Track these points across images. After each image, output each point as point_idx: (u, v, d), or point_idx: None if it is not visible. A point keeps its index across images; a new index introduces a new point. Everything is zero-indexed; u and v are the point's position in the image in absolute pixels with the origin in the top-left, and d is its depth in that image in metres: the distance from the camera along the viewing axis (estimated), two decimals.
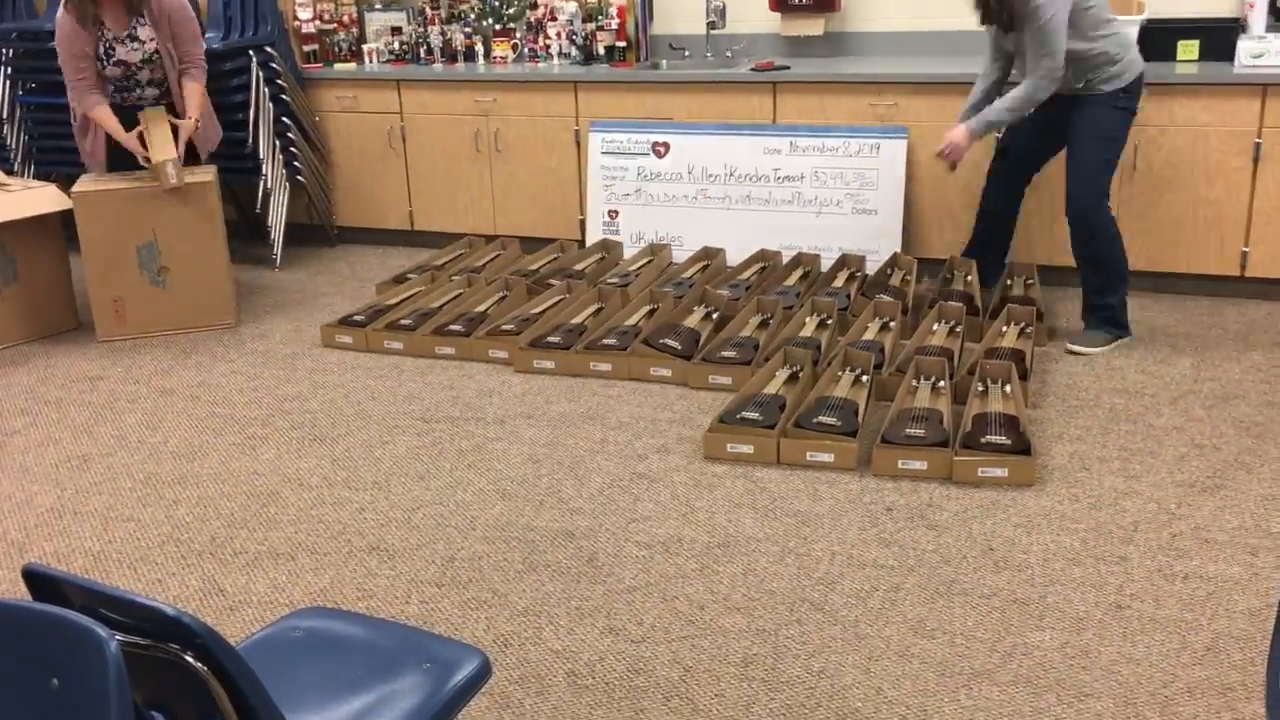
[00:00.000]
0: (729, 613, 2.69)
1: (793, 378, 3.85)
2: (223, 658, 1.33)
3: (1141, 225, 4.73)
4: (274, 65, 5.56)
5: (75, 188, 4.59)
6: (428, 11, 5.98)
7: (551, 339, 4.23)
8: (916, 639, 2.57)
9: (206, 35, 5.70)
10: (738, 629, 2.63)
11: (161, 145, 4.59)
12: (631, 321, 4.45)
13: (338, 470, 3.50)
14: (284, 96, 5.62)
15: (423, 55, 5.97)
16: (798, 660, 2.51)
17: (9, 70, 5.86)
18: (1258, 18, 4.67)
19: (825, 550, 2.94)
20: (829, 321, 4.32)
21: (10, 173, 5.79)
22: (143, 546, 3.10)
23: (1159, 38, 4.82)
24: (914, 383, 3.76)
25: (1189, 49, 4.80)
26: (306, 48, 5.97)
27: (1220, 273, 4.69)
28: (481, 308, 4.69)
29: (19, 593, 2.83)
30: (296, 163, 5.73)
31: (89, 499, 3.38)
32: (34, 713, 1.32)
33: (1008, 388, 3.68)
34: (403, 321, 4.55)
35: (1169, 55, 4.83)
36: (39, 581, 1.45)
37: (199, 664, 1.34)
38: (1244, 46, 4.55)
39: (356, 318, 4.64)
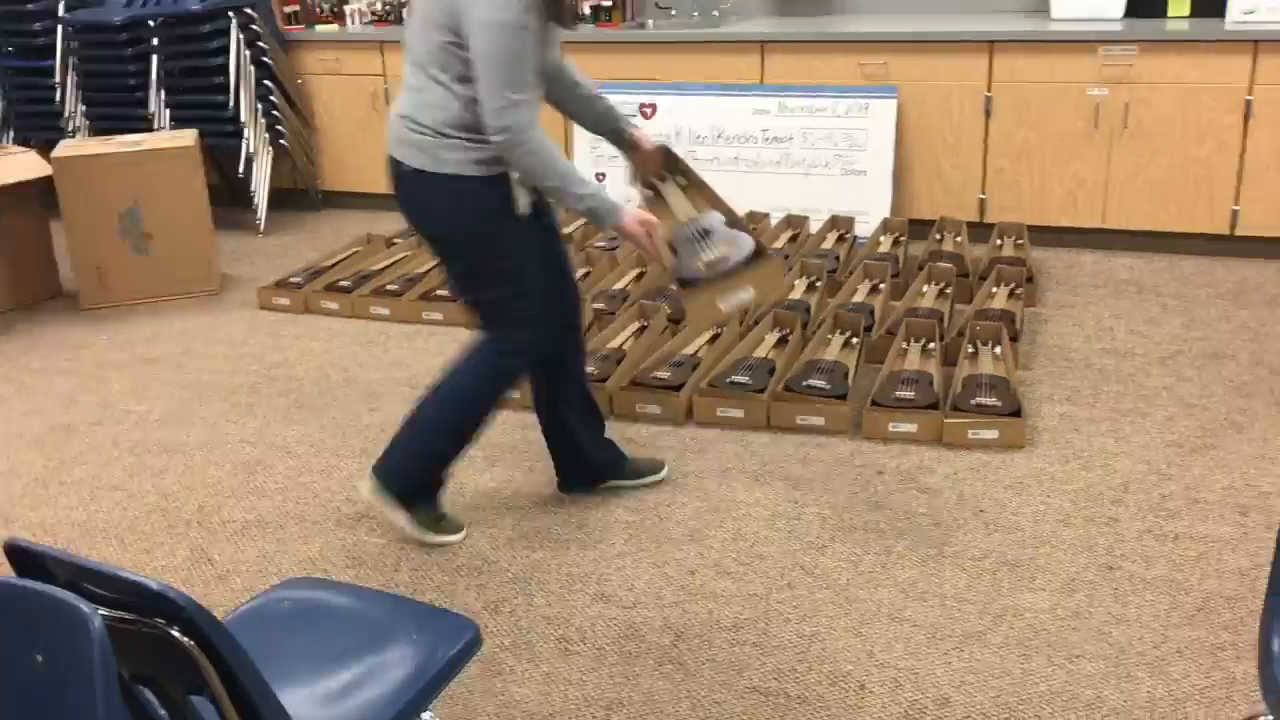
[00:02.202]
0: (720, 577, 2.69)
1: (782, 340, 3.84)
2: (209, 631, 1.32)
3: (1131, 184, 4.71)
4: (255, 27, 5.48)
5: (55, 153, 4.52)
6: None
7: None
8: (908, 602, 2.56)
9: None
10: (728, 594, 2.62)
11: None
12: (620, 285, 4.42)
13: (326, 438, 3.48)
14: (265, 59, 5.54)
15: (406, 16, 5.87)
16: (789, 624, 2.51)
17: None
18: None
19: (816, 514, 2.93)
20: (818, 284, 4.30)
21: None
22: (130, 516, 3.08)
23: None
24: (904, 345, 3.75)
25: (1180, 5, 4.76)
26: (287, 9, 5.88)
27: (1210, 231, 4.68)
28: None
29: (1, 568, 2.81)
30: (279, 126, 5.66)
31: (74, 469, 3.35)
32: (18, 689, 1.30)
33: (998, 349, 3.67)
34: (388, 287, 4.51)
35: (1160, 11, 4.79)
36: (21, 556, 1.43)
37: (185, 638, 1.32)
38: (1235, 2, 4.51)
39: (344, 282, 4.60)
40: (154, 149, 4.59)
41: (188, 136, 4.73)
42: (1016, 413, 3.24)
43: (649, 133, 2.75)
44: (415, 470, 2.81)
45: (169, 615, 1.32)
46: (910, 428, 3.26)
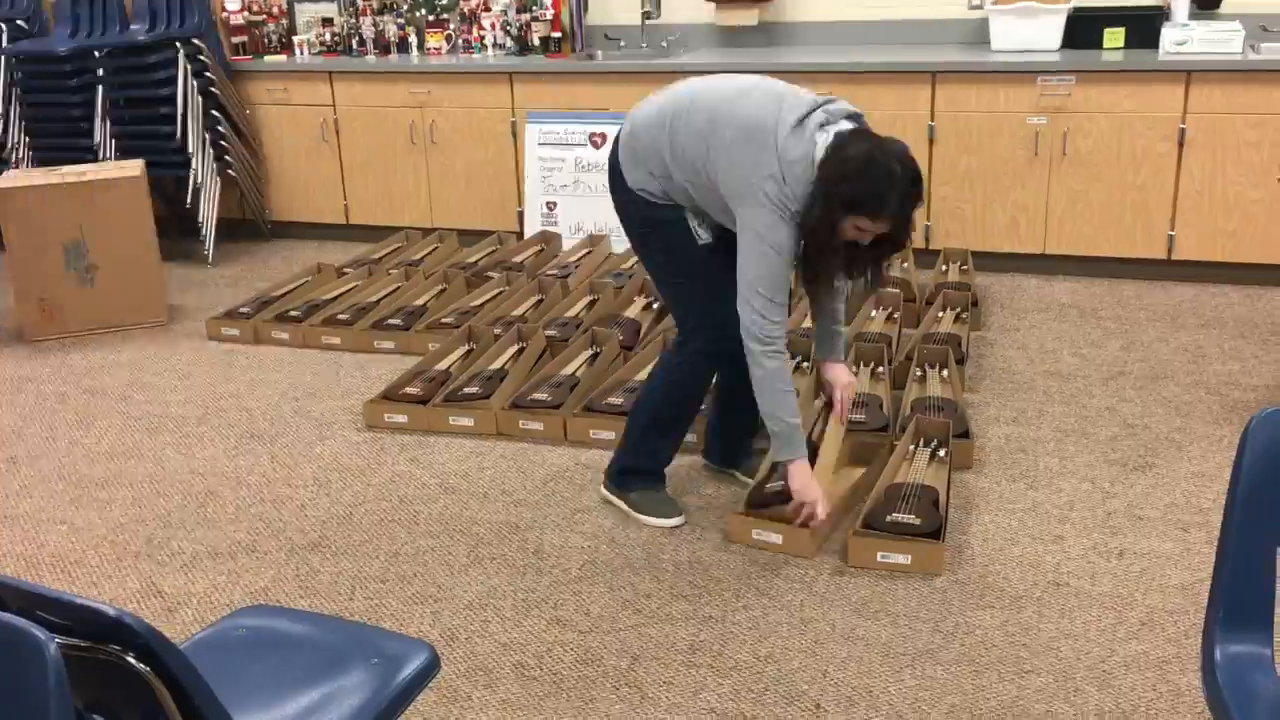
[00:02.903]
0: (675, 600, 2.70)
1: None
2: (166, 658, 1.31)
3: (1071, 210, 4.82)
4: (202, 58, 5.46)
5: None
6: (359, 2, 5.90)
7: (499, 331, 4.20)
8: (860, 621, 2.59)
9: (132, 27, 5.58)
10: (684, 616, 2.64)
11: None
12: (572, 313, 4.44)
13: (277, 468, 3.46)
14: (213, 89, 5.52)
15: (355, 47, 5.89)
16: (744, 645, 2.52)
17: None
18: (1181, 5, 4.78)
19: None
20: None
21: None
22: (77, 549, 3.03)
23: (1086, 25, 4.91)
24: (854, 368, 3.80)
25: (1115, 36, 4.90)
26: (235, 39, 5.87)
27: (1148, 255, 4.80)
28: (420, 301, 4.65)
29: None
30: (227, 156, 5.63)
31: (19, 502, 3.30)
32: None
33: (945, 372, 3.73)
34: (339, 316, 4.50)
35: (1096, 43, 4.92)
36: None
37: (141, 665, 1.31)
38: (1168, 34, 4.65)
39: (294, 312, 4.58)
40: (99, 179, 4.55)
41: (134, 167, 4.69)
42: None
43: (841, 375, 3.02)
44: (636, 460, 3.07)
45: (125, 642, 1.32)
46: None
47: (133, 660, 1.32)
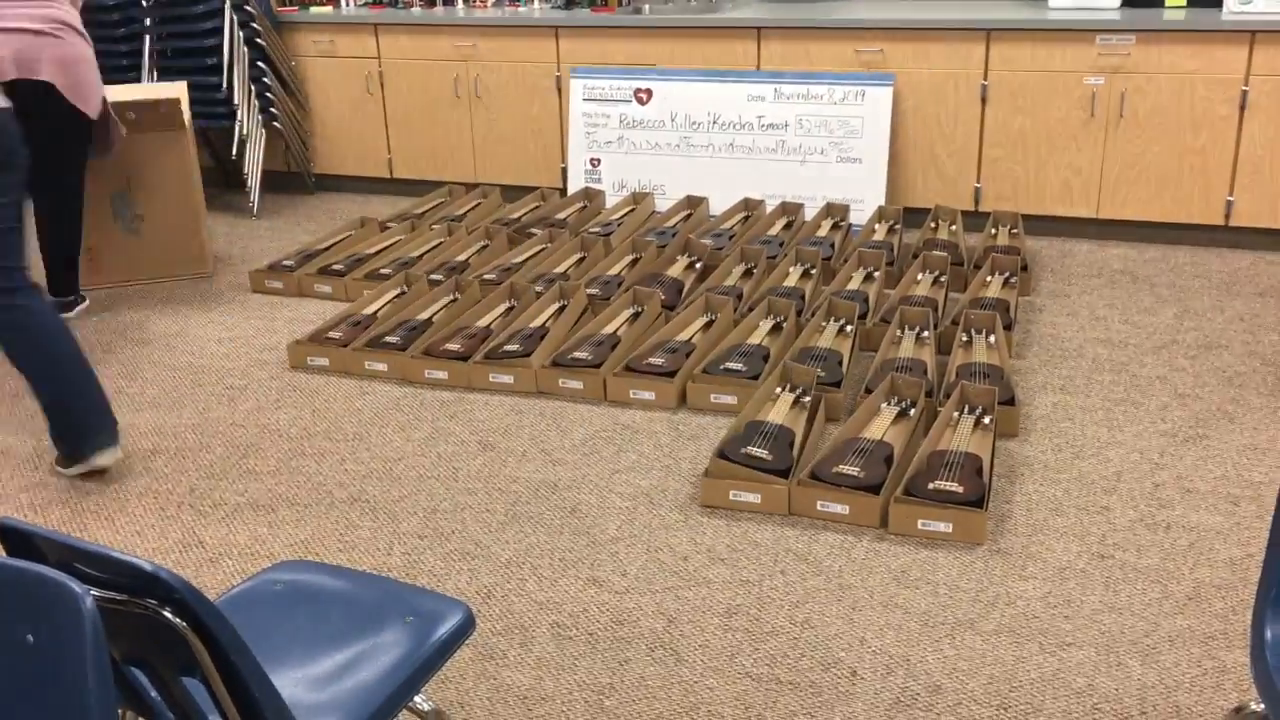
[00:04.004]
0: (713, 563, 2.69)
1: (776, 328, 3.83)
2: (201, 613, 1.31)
3: (1126, 174, 4.71)
4: (248, 8, 5.44)
5: None
6: None
7: (540, 288, 4.19)
8: (900, 589, 2.57)
9: None
10: (721, 579, 2.62)
11: None
12: (614, 271, 4.41)
13: (317, 421, 3.47)
14: (259, 40, 5.51)
15: None
16: (781, 610, 2.51)
17: None
18: None
19: None
20: (813, 271, 4.29)
21: None
22: (120, 498, 3.07)
23: None
24: (898, 333, 3.75)
25: None
26: None
27: (1205, 222, 4.68)
28: (462, 256, 4.64)
29: None
30: (273, 109, 5.63)
31: None
32: (9, 669, 1.30)
33: (992, 338, 3.67)
34: (382, 270, 4.50)
35: (1157, 2, 4.78)
36: (13, 536, 1.42)
37: (177, 619, 1.32)
38: None
39: (337, 266, 4.58)
40: (146, 132, 4.56)
41: (176, 89, 4.70)
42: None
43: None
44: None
45: (161, 596, 1.32)
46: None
47: (169, 614, 1.32)
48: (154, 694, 1.49)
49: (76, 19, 4.01)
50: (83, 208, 4.31)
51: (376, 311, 4.11)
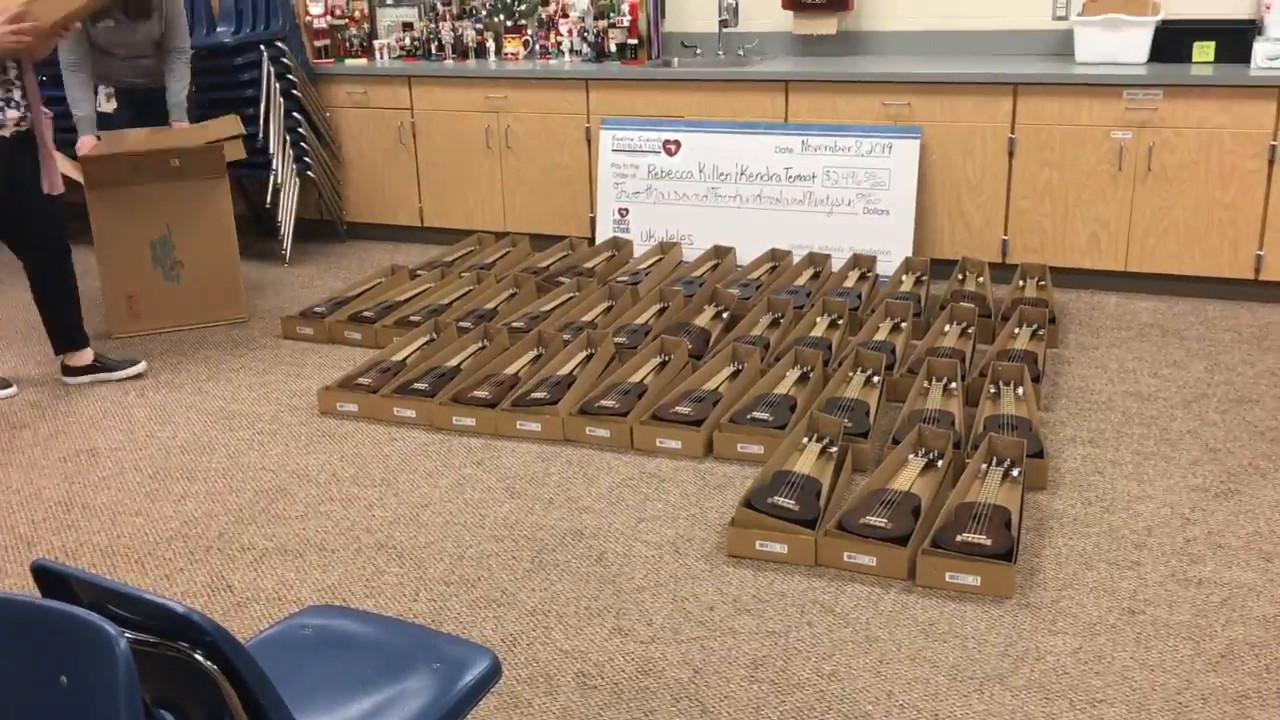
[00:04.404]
0: (739, 614, 2.68)
1: (803, 378, 3.84)
2: (233, 656, 1.32)
3: (1154, 227, 4.70)
4: (285, 60, 5.56)
5: (87, 183, 4.57)
6: (439, 7, 5.97)
7: (567, 336, 4.21)
8: (928, 642, 2.55)
9: (219, 29, 5.70)
10: (747, 630, 2.61)
11: None
12: (641, 320, 4.43)
13: (346, 466, 3.49)
14: (295, 91, 5.62)
15: (434, 51, 5.95)
16: (808, 662, 2.49)
17: None
18: (1275, 19, 4.64)
19: None
20: (840, 321, 4.30)
21: None
22: (150, 541, 3.09)
23: (1175, 38, 4.80)
24: (925, 384, 3.74)
25: (1205, 50, 4.77)
26: (318, 43, 5.96)
27: (1234, 276, 4.66)
28: (491, 304, 4.68)
29: (27, 588, 2.83)
30: (307, 158, 5.72)
31: (98, 493, 3.38)
32: (43, 710, 1.31)
33: (1020, 390, 3.66)
34: (412, 318, 4.54)
35: (1184, 57, 4.80)
36: (48, 578, 1.44)
37: (208, 663, 1.33)
38: (1260, 48, 4.52)
39: (367, 313, 4.63)
40: (185, 181, 4.64)
41: (230, 125, 4.80)
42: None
43: None
44: None
45: (193, 639, 1.33)
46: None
47: (200, 658, 1.33)
48: None
49: None
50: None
51: (406, 358, 4.14)
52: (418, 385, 3.86)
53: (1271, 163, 4.47)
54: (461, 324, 4.42)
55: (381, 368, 4.04)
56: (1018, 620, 2.62)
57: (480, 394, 3.77)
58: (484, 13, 5.95)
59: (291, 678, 1.70)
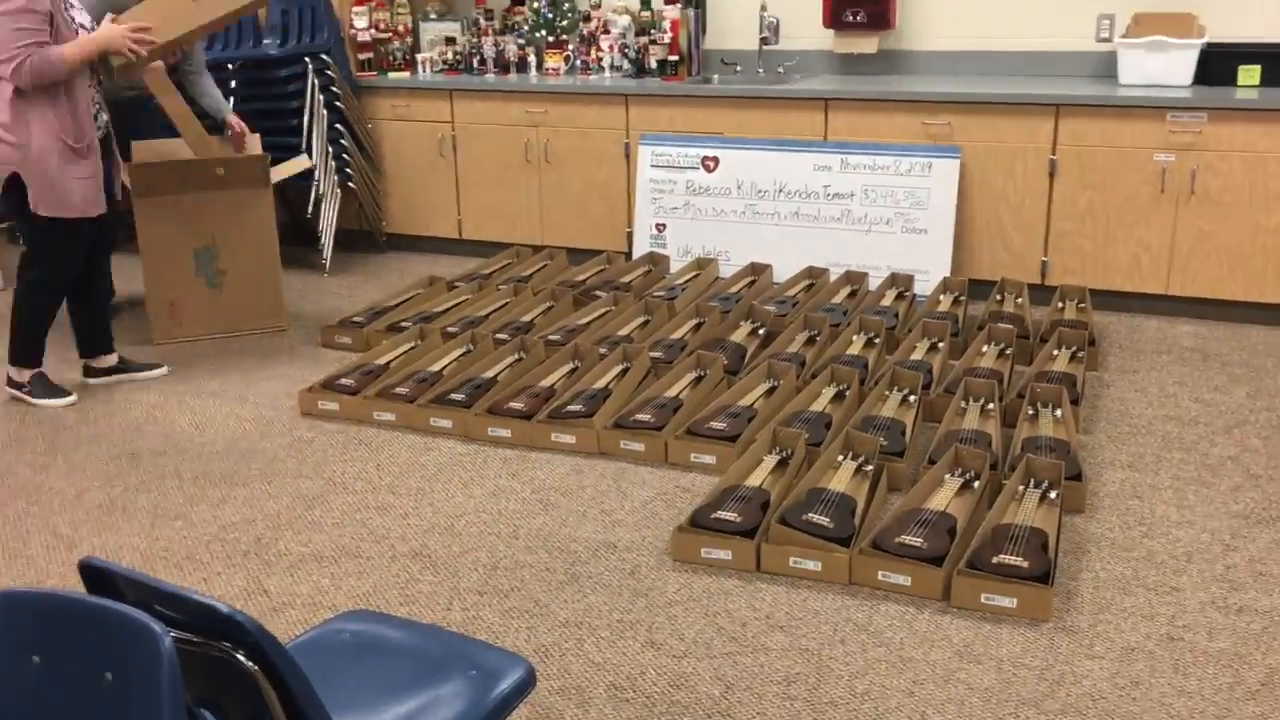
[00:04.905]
0: (771, 630, 2.67)
1: (839, 396, 3.83)
2: (275, 658, 1.34)
3: (1198, 251, 4.66)
4: (329, 72, 5.62)
5: (135, 190, 4.64)
6: (481, 22, 6.02)
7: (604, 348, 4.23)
8: (963, 664, 2.53)
9: (265, 41, 5.77)
10: (780, 647, 2.60)
11: None
12: (678, 335, 4.44)
13: (382, 475, 3.52)
14: (338, 103, 5.68)
15: (475, 65, 6.01)
16: (841, 681, 2.48)
17: None
18: None
19: None
20: (877, 340, 4.29)
21: None
22: (189, 545, 3.13)
23: (1219, 62, 4.76)
24: (963, 404, 3.72)
25: (1250, 74, 4.73)
26: (361, 56, 6.03)
27: (1278, 301, 4.61)
28: (528, 317, 4.70)
29: (71, 586, 2.86)
30: (348, 169, 5.78)
31: (138, 496, 3.42)
32: (86, 707, 1.33)
33: (1058, 412, 3.63)
34: (449, 329, 4.57)
35: (1229, 80, 4.76)
36: (94, 575, 1.47)
37: (250, 663, 1.34)
38: None
39: (405, 323, 4.67)
40: (228, 192, 4.70)
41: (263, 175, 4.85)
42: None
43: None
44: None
45: (236, 639, 1.35)
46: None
47: (242, 658, 1.35)
48: None
49: None
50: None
51: (442, 369, 4.17)
52: (454, 396, 3.89)
53: None
54: (498, 336, 4.45)
55: (418, 378, 4.07)
56: (1054, 644, 2.59)
57: (516, 405, 3.79)
58: (526, 28, 6.00)
59: (329, 681, 1.71)
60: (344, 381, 4.04)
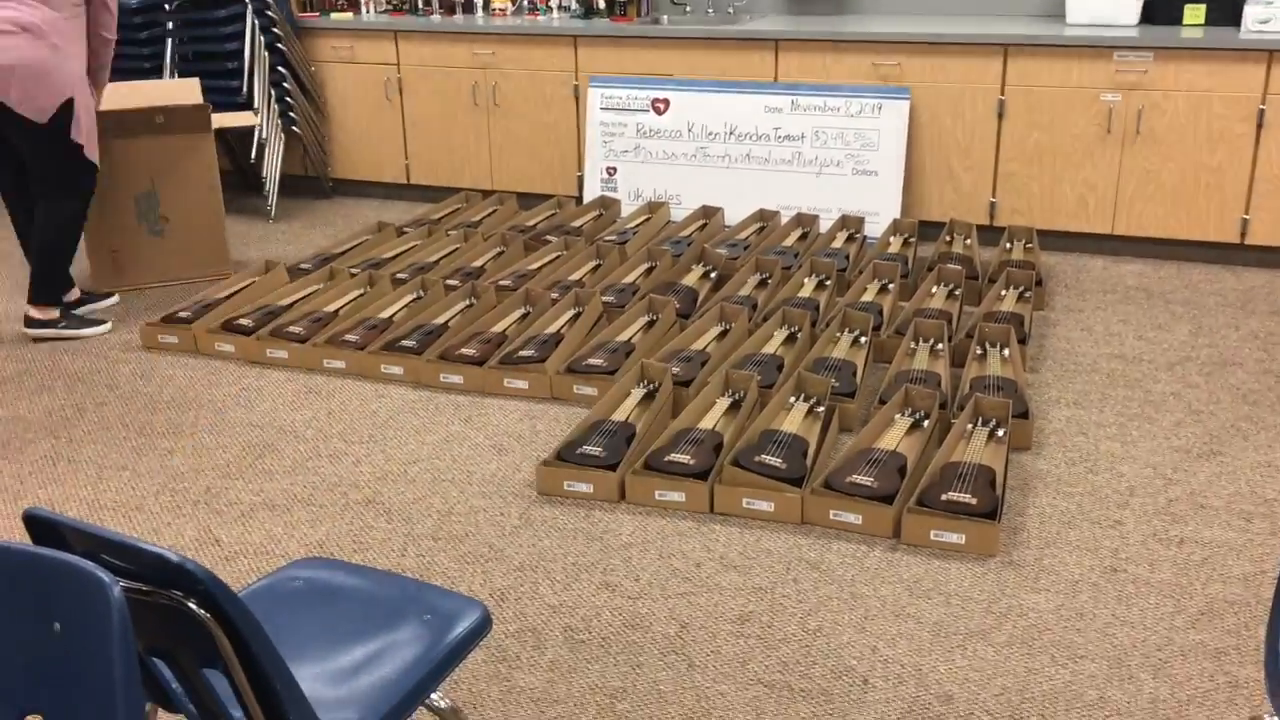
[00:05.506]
0: (725, 570, 2.70)
1: (791, 338, 3.84)
2: (226, 605, 1.33)
3: (1142, 190, 4.71)
4: (269, 13, 5.49)
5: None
6: None
7: (554, 296, 4.21)
8: (912, 599, 2.57)
9: None
10: (734, 586, 2.63)
11: None
12: (629, 279, 4.43)
13: (334, 423, 3.49)
14: (279, 45, 5.55)
15: (420, 6, 5.89)
16: (793, 618, 2.52)
17: None
18: None
19: None
20: (828, 282, 4.31)
21: None
22: (137, 496, 3.09)
23: (1166, 1, 4.78)
24: (912, 345, 3.76)
25: (1195, 13, 4.76)
26: None
27: (1220, 239, 4.68)
28: (478, 263, 4.66)
29: (17, 538, 2.82)
30: (292, 113, 5.67)
31: (83, 447, 3.37)
32: (35, 657, 1.31)
33: (1006, 351, 3.67)
34: (398, 275, 4.52)
35: (1175, 19, 4.79)
36: (40, 526, 1.44)
37: (202, 610, 1.33)
38: (1251, 11, 4.51)
39: (353, 270, 4.61)
40: (170, 136, 4.59)
41: (189, 86, 4.77)
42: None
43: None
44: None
45: (186, 588, 1.33)
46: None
47: (194, 606, 1.33)
48: (175, 685, 1.50)
49: (44, 14, 3.79)
50: (64, 232, 4.07)
51: (393, 316, 4.13)
52: (405, 343, 3.86)
53: (1260, 126, 4.48)
54: (449, 282, 4.41)
55: (369, 325, 4.03)
56: (1001, 578, 2.64)
57: (468, 352, 3.77)
58: None
59: (283, 628, 1.70)
60: (293, 329, 3.99)
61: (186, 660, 1.43)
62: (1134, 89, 4.59)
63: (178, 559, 1.31)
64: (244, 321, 4.08)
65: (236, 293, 4.39)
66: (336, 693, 1.59)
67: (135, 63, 5.60)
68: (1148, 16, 4.82)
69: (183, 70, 5.58)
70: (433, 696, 1.77)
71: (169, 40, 5.53)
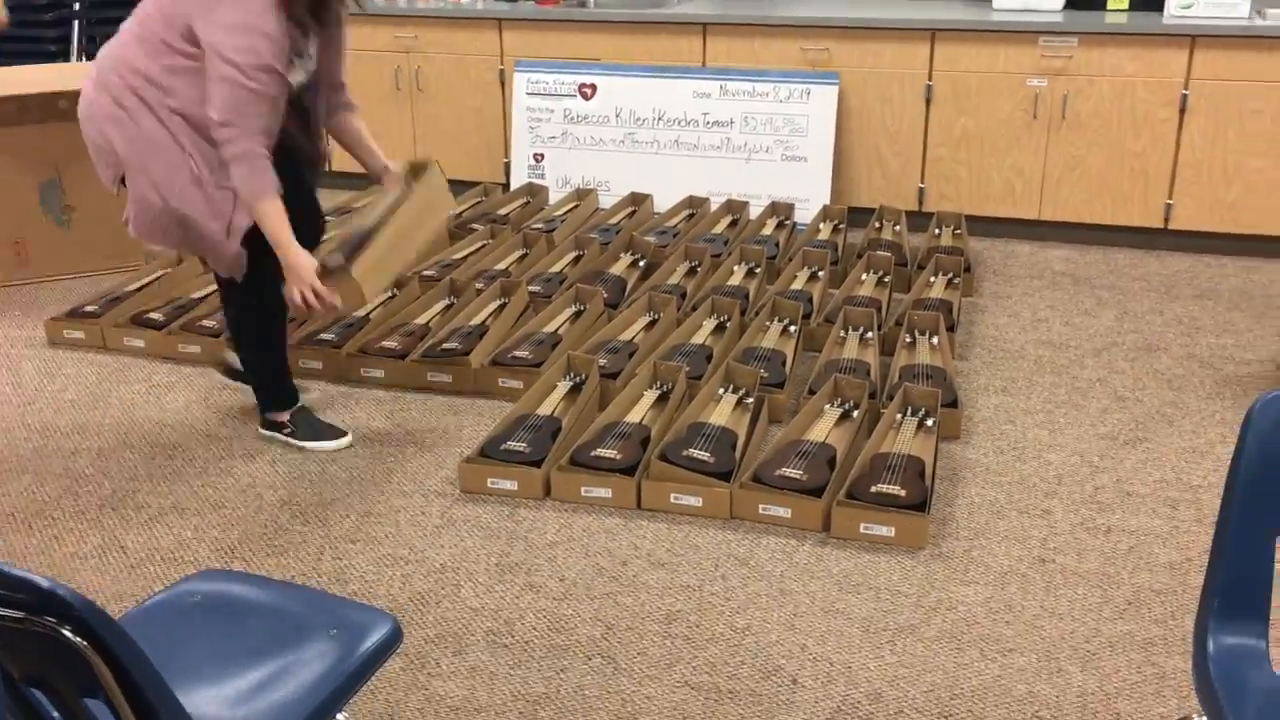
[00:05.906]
0: (653, 568, 2.64)
1: (720, 327, 3.79)
2: (103, 631, 1.23)
3: (1068, 176, 4.73)
4: None
5: None
6: None
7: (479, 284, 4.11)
8: (841, 594, 2.53)
9: None
10: (661, 585, 2.57)
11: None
12: (556, 268, 4.34)
13: (248, 421, 3.37)
14: None
15: None
16: (721, 617, 2.46)
17: None
18: None
19: None
20: (757, 270, 4.26)
21: None
22: (39, 501, 2.95)
23: None
24: (842, 333, 3.72)
25: None
26: None
27: (1145, 224, 4.72)
28: None
29: None
30: None
31: None
32: None
33: (935, 339, 3.65)
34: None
35: (1099, 4, 4.81)
36: None
37: (77, 638, 1.24)
38: None
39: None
40: (76, 123, 4.41)
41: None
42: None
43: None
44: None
45: (59, 614, 1.24)
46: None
47: (68, 633, 1.24)
48: (55, 715, 1.40)
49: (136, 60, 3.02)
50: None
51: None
52: (324, 336, 3.74)
53: (1182, 111, 4.51)
54: None
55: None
56: (930, 571, 2.62)
57: (389, 345, 3.66)
58: None
59: (177, 648, 1.61)
60: (206, 323, 3.85)
61: (66, 690, 1.34)
62: (1059, 74, 4.60)
63: (48, 584, 1.21)
64: (155, 316, 3.93)
65: (147, 285, 4.24)
66: (232, 716, 1.50)
67: (40, 45, 5.37)
68: (1072, 2, 4.83)
69: (90, 54, 5.37)
70: (339, 716, 1.68)
71: (75, 22, 5.32)
